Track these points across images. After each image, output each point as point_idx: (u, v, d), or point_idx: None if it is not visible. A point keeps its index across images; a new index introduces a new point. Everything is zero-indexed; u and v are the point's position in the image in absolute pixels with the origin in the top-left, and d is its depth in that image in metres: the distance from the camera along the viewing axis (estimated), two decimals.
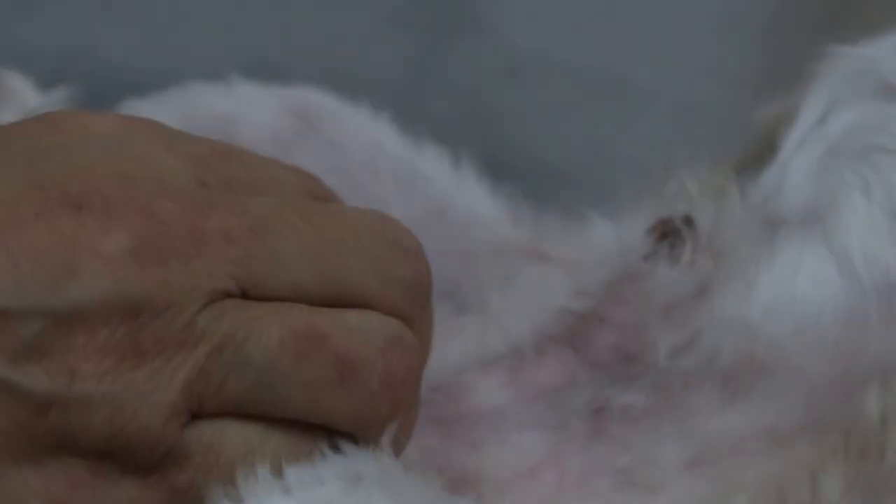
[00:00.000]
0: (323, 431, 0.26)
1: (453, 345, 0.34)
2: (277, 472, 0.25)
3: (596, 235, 0.37)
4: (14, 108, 0.38)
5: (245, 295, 0.25)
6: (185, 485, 0.25)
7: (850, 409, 0.31)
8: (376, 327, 0.26)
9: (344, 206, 0.29)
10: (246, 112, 0.37)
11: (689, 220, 0.33)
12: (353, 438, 0.26)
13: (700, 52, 0.48)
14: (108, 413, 0.24)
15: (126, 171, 0.25)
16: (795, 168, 0.35)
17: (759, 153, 0.37)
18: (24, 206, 0.24)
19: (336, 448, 0.26)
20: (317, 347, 0.25)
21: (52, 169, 0.24)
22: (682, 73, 0.48)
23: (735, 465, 0.31)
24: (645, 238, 0.34)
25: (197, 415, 0.25)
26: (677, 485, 0.31)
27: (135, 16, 0.49)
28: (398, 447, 0.27)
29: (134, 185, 0.24)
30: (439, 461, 0.30)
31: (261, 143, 0.35)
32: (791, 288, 0.33)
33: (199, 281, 0.24)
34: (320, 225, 0.26)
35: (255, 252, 0.25)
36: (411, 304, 0.27)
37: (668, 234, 0.33)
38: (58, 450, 0.24)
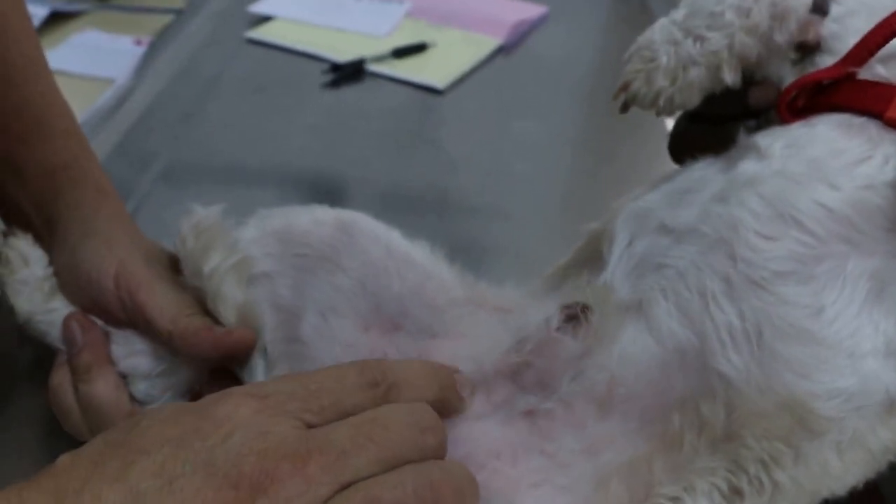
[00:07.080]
0: None
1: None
2: None
3: (513, 298, 0.49)
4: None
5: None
6: None
7: (666, 421, 0.41)
8: (408, 479, 0.35)
9: (388, 407, 0.38)
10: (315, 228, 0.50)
11: (584, 309, 0.44)
12: None
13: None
14: None
15: (258, 448, 0.34)
16: (619, 275, 0.46)
17: (587, 255, 0.49)
18: (206, 486, 0.33)
19: None
20: None
21: (217, 459, 0.34)
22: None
23: (607, 455, 0.42)
24: (558, 315, 0.45)
25: None
26: (576, 465, 0.42)
27: None
28: None
29: (265, 458, 0.34)
30: None
31: (324, 245, 0.49)
32: (631, 350, 0.43)
33: (311, 500, 0.34)
34: (373, 434, 0.36)
35: (340, 471, 0.35)
36: (435, 453, 0.37)
37: (573, 316, 0.44)
38: None
